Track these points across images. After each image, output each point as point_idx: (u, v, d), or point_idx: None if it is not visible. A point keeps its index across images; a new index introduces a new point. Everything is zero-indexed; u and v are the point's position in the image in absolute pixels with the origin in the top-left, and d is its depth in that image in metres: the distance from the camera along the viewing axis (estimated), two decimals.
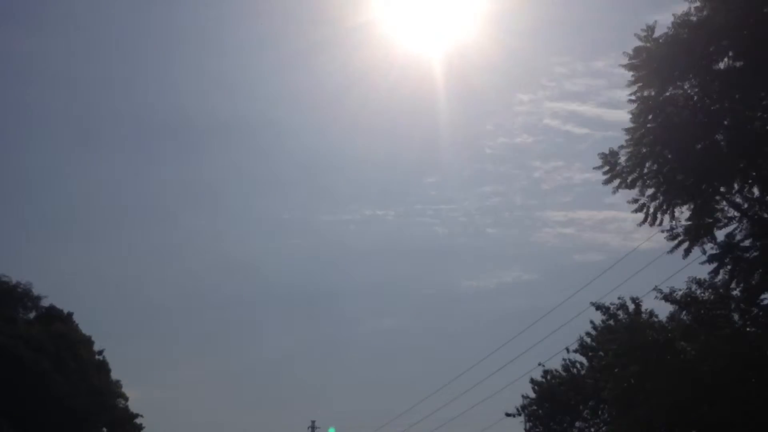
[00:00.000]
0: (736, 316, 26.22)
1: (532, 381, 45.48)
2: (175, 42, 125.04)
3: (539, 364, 44.82)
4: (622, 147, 25.71)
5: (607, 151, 25.97)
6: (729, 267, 25.23)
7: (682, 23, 23.77)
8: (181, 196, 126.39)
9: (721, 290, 25.99)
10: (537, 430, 45.04)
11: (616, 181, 25.90)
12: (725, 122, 23.98)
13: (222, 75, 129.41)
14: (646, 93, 24.97)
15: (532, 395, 45.65)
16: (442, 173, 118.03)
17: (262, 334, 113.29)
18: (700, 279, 26.78)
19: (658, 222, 25.73)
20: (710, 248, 25.40)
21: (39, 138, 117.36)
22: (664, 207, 25.43)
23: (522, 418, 45.85)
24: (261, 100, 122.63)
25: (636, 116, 25.15)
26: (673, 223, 25.50)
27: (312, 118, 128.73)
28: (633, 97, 25.10)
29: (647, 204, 25.68)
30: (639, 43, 24.75)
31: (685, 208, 25.34)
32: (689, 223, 25.34)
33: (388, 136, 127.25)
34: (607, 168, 26.04)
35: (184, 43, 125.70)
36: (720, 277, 25.58)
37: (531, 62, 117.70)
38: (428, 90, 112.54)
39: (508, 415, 46.29)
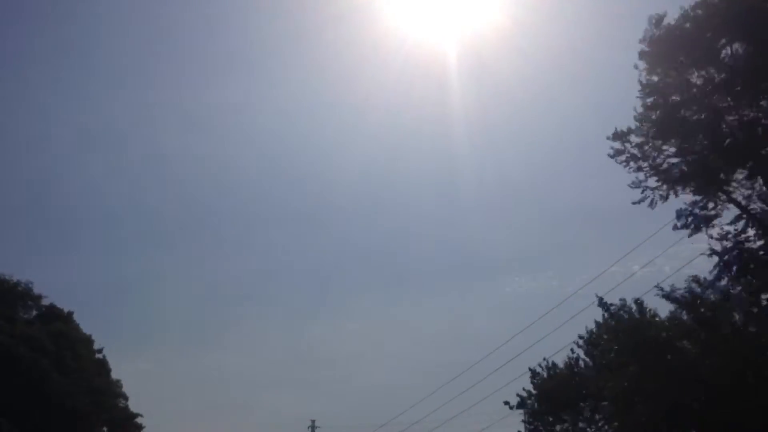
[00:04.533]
0: (737, 316, 25.97)
1: (533, 377, 45.18)
2: (183, 14, 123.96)
3: (543, 360, 44.60)
4: (631, 130, 25.98)
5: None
6: (730, 265, 25.12)
7: (689, 16, 23.81)
8: (182, 194, 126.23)
9: (721, 289, 25.80)
10: (537, 426, 44.80)
11: (624, 157, 26.19)
12: (731, 114, 23.97)
13: (228, 54, 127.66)
14: (653, 83, 25.22)
15: (533, 391, 45.39)
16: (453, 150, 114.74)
17: (262, 334, 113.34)
18: (700, 278, 26.61)
19: (663, 198, 25.98)
20: (714, 234, 25.63)
21: (39, 138, 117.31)
22: (666, 194, 25.72)
23: (521, 412, 45.61)
24: (267, 80, 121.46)
25: (645, 108, 25.42)
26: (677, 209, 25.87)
27: (322, 95, 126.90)
28: (641, 86, 25.46)
29: (650, 189, 25.95)
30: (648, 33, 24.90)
31: (688, 196, 25.66)
32: (692, 210, 25.54)
33: (400, 115, 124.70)
34: (618, 143, 26.31)
35: (189, 17, 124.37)
36: (720, 275, 25.44)
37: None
38: (441, 71, 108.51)
39: (506, 403, 45.99)
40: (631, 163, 25.95)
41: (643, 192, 25.98)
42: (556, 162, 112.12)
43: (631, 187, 26.26)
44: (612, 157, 26.29)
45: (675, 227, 26.32)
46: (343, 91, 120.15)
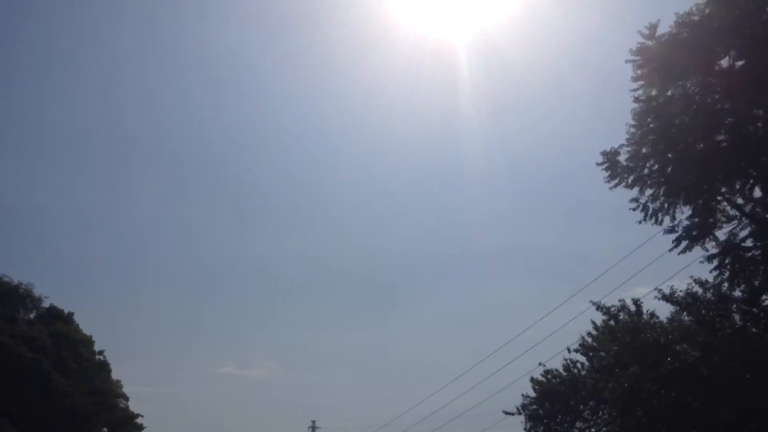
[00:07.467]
0: (737, 317, 26.12)
1: (533, 380, 45.45)
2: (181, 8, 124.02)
3: (540, 364, 44.82)
4: (622, 146, 25.78)
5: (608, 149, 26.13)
6: (730, 267, 25.18)
7: (684, 23, 23.73)
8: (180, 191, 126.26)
9: (721, 290, 25.90)
10: (537, 429, 44.97)
11: (616, 180, 25.99)
12: (726, 122, 23.93)
13: (235, 42, 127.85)
14: (648, 92, 25.03)
15: (533, 394, 45.63)
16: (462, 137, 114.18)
17: (263, 334, 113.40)
18: (701, 279, 26.70)
19: (658, 221, 25.77)
20: (711, 247, 25.43)
21: (39, 137, 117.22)
22: (665, 206, 25.48)
23: (522, 418, 45.84)
24: (271, 64, 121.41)
25: (638, 116, 25.16)
26: (674, 222, 25.56)
27: (329, 80, 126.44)
28: (635, 96, 25.20)
29: (648, 204, 25.72)
30: (642, 42, 24.76)
31: (685, 207, 25.39)
32: (689, 222, 25.36)
33: (408, 102, 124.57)
34: (607, 165, 26.12)
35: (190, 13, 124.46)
36: (720, 277, 25.51)
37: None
38: (450, 55, 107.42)
39: (506, 413, 46.26)
40: (625, 177, 25.63)
41: (643, 208, 25.81)
42: (568, 151, 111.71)
43: (630, 201, 26.04)
44: (606, 180, 25.98)
45: (671, 249, 25.83)
46: (351, 76, 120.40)
